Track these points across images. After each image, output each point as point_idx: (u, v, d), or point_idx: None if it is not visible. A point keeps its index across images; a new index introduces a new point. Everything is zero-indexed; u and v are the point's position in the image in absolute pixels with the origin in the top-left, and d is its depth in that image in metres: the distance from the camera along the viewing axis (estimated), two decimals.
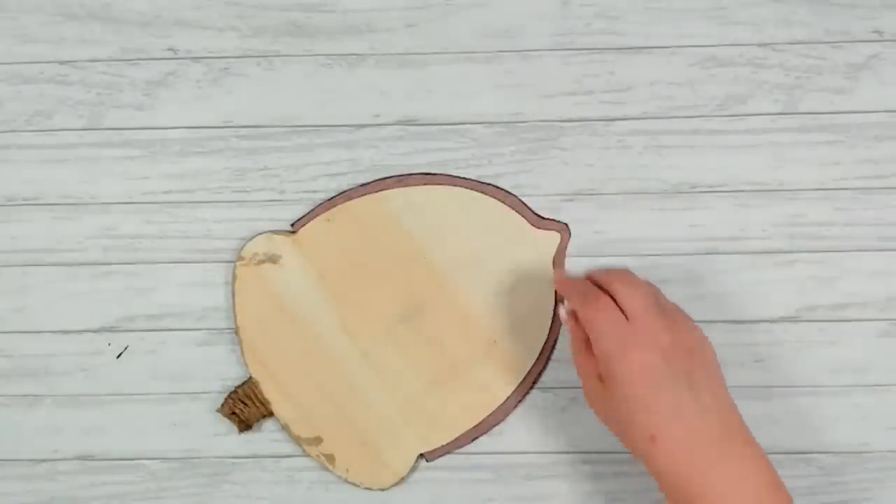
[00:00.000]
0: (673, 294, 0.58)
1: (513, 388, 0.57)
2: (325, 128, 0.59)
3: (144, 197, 0.59)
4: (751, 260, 0.58)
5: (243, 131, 0.59)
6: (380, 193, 0.57)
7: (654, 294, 0.48)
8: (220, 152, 0.59)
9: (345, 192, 0.57)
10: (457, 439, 0.57)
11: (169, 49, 0.59)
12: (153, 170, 0.59)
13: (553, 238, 0.57)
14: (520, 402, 0.57)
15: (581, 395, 0.58)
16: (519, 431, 0.59)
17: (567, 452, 0.59)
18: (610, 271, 0.50)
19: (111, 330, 0.59)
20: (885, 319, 0.58)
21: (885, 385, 0.58)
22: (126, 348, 0.59)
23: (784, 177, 0.58)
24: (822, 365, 0.58)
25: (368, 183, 0.58)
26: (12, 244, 0.59)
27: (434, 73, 0.59)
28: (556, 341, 0.57)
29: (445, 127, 0.58)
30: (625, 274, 0.49)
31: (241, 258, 0.57)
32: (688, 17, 0.58)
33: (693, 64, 0.58)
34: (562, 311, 0.51)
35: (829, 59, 0.58)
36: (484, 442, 0.59)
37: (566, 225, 0.58)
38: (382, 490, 0.57)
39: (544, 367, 0.57)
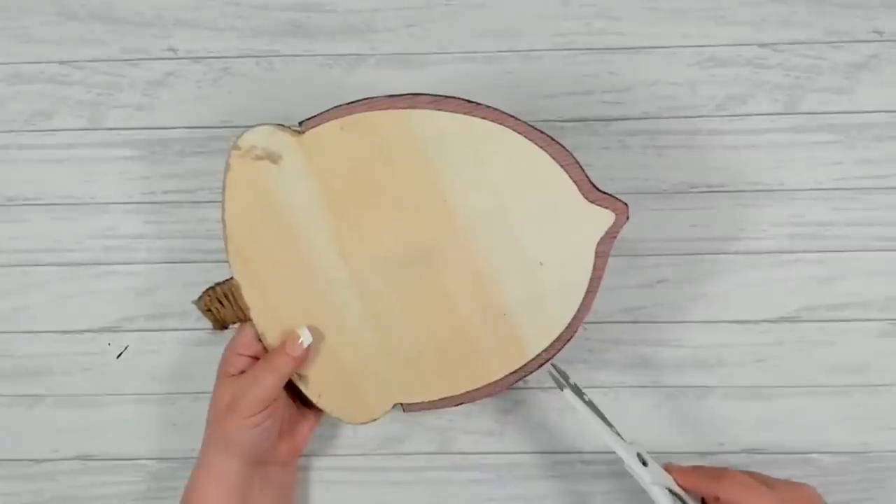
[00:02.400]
0: (673, 294, 0.58)
1: (511, 370, 0.53)
2: None
3: (145, 197, 0.59)
4: (751, 260, 0.58)
5: (243, 131, 0.59)
6: (408, 111, 0.49)
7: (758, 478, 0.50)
8: (220, 152, 0.59)
9: (368, 99, 0.50)
10: (441, 400, 0.54)
11: (169, 49, 0.59)
12: (153, 170, 0.59)
13: (605, 217, 0.49)
14: (515, 383, 0.53)
15: None
16: (519, 431, 0.59)
17: (567, 452, 0.59)
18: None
19: (111, 330, 0.59)
20: (885, 319, 0.58)
21: (885, 385, 0.58)
22: (126, 348, 0.59)
23: (784, 177, 0.58)
24: (822, 365, 0.58)
25: (399, 95, 0.49)
26: (12, 244, 0.59)
27: (434, 73, 0.59)
28: (571, 337, 0.52)
29: None
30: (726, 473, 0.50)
31: (237, 147, 0.50)
32: (688, 17, 0.58)
33: (693, 64, 0.58)
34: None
35: (829, 59, 0.58)
36: (484, 442, 0.59)
37: (626, 205, 0.49)
38: (352, 424, 0.55)
39: (549, 359, 0.52)
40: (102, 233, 0.59)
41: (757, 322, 0.58)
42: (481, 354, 0.53)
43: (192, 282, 0.59)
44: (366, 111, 0.49)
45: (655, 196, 0.58)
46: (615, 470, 0.58)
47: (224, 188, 0.51)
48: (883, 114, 0.58)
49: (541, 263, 0.51)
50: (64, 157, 0.59)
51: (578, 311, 0.51)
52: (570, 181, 0.49)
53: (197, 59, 0.59)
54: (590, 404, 0.51)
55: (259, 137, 0.50)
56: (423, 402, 0.54)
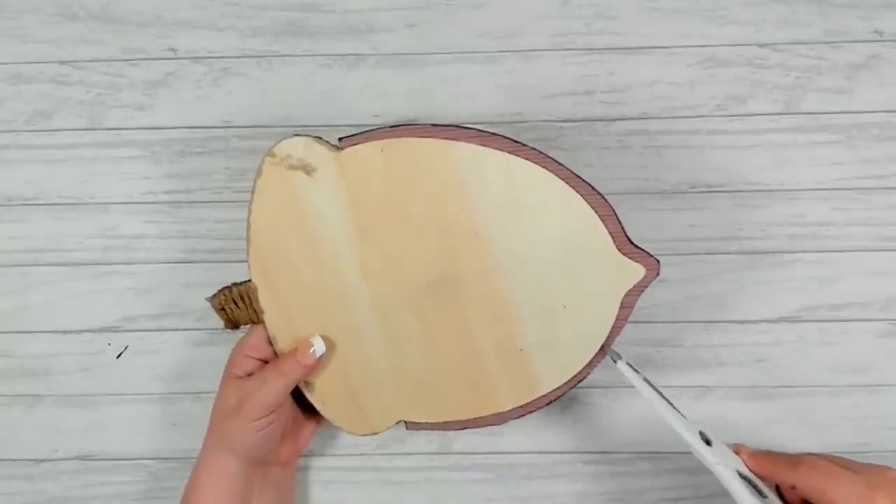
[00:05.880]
0: (673, 294, 0.58)
1: (518, 404, 0.54)
2: (325, 128, 0.59)
3: (144, 197, 0.59)
4: (751, 260, 0.58)
5: (243, 131, 0.59)
6: (451, 142, 0.49)
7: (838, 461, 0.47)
8: (220, 152, 0.59)
9: (411, 124, 0.50)
10: (444, 423, 0.54)
11: (169, 49, 0.59)
12: (153, 170, 0.59)
13: (635, 271, 0.50)
14: (520, 416, 0.54)
15: (581, 394, 0.58)
16: (519, 431, 0.59)
17: (567, 452, 0.59)
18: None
19: (111, 330, 0.59)
20: (885, 319, 0.58)
21: (885, 385, 0.58)
22: (126, 348, 0.59)
23: (784, 177, 0.58)
24: (822, 365, 0.58)
25: (445, 125, 0.49)
26: (12, 244, 0.59)
27: (434, 73, 0.59)
28: (584, 378, 0.53)
29: None
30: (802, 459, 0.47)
31: (272, 154, 0.50)
32: (688, 17, 0.58)
33: (693, 64, 0.58)
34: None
35: (829, 59, 0.58)
36: (484, 442, 0.59)
37: (657, 262, 0.50)
38: (353, 435, 0.55)
39: (558, 398, 0.53)
40: (102, 233, 0.59)
41: (757, 322, 0.58)
42: (491, 385, 0.53)
43: (192, 282, 0.59)
44: (408, 137, 0.49)
45: (655, 196, 0.58)
46: (617, 470, 0.58)
47: (253, 191, 0.51)
48: (883, 114, 0.58)
49: (564, 306, 0.51)
50: (64, 157, 0.59)
51: (595, 356, 0.52)
52: (605, 232, 0.49)
53: (197, 59, 0.59)
54: (646, 381, 0.50)
55: (296, 148, 0.50)
56: (426, 423, 0.54)
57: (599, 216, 0.49)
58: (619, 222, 0.49)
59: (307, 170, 0.50)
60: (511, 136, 0.49)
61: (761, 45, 0.58)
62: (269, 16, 0.59)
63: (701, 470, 0.58)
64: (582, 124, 0.58)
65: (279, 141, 0.50)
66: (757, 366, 0.58)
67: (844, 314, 0.58)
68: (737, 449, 0.48)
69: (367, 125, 0.58)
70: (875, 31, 0.58)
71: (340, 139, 0.50)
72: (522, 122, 0.58)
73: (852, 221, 0.58)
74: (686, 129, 0.58)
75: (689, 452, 0.58)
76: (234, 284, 0.53)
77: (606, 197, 0.50)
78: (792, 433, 0.58)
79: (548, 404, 0.53)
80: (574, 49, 0.58)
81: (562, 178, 0.49)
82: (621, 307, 0.51)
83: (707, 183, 0.58)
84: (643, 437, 0.58)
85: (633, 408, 0.58)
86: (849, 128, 0.58)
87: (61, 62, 0.59)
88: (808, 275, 0.58)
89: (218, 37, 0.59)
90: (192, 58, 0.59)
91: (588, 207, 0.49)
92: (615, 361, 0.50)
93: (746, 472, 0.46)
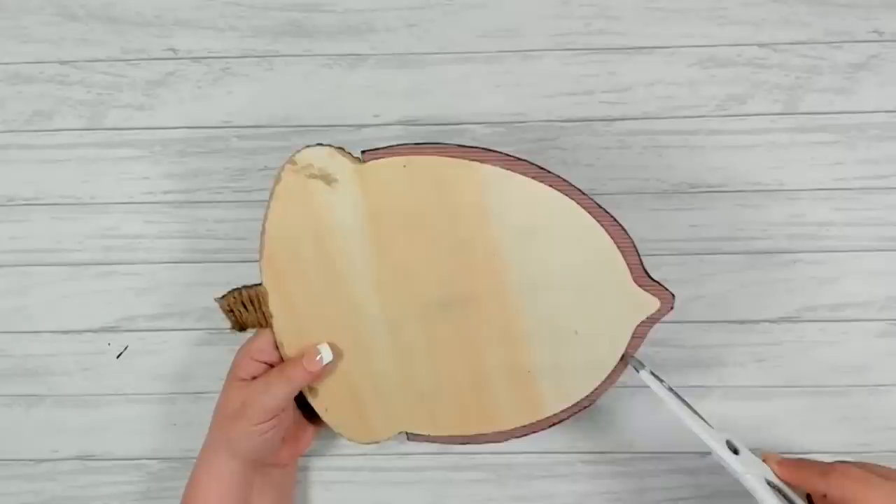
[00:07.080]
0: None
1: (521, 424, 0.54)
2: (325, 128, 0.59)
3: (144, 197, 0.59)
4: (751, 260, 0.58)
5: (243, 131, 0.59)
6: (477, 164, 0.49)
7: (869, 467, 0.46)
8: (220, 152, 0.59)
9: (438, 144, 0.50)
10: (447, 437, 0.55)
11: (169, 49, 0.59)
12: (153, 170, 0.59)
13: (650, 304, 0.50)
14: (522, 436, 0.54)
15: None
16: None
17: (567, 452, 0.59)
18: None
19: (111, 330, 0.59)
20: (885, 319, 0.58)
21: (885, 385, 0.58)
22: (126, 348, 0.59)
23: (784, 177, 0.58)
24: (822, 365, 0.58)
25: (471, 147, 0.49)
26: (12, 244, 0.59)
27: (434, 73, 0.59)
28: (590, 405, 0.53)
29: (445, 127, 0.58)
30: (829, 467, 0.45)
31: (292, 162, 0.50)
32: (688, 17, 0.58)
33: (693, 64, 0.58)
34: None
35: (829, 59, 0.58)
36: None
37: (672, 296, 0.50)
38: (354, 442, 0.55)
39: (562, 421, 0.54)
40: (102, 233, 0.59)
41: (757, 322, 0.58)
42: (496, 404, 0.53)
43: (192, 282, 0.59)
44: (434, 155, 0.49)
45: (655, 196, 0.58)
46: (617, 470, 0.58)
47: (270, 197, 0.51)
48: (883, 114, 0.58)
49: (576, 333, 0.51)
50: (64, 157, 0.59)
51: (602, 383, 0.52)
52: (623, 264, 0.50)
53: (197, 59, 0.59)
54: (670, 390, 0.49)
55: (318, 157, 0.50)
56: (428, 436, 0.54)
57: (619, 248, 0.49)
58: (638, 255, 0.50)
59: (327, 180, 0.50)
60: (537, 163, 0.49)
61: (761, 45, 0.58)
62: (269, 16, 0.59)
63: (701, 470, 0.58)
64: (582, 124, 0.58)
65: (301, 149, 0.50)
66: (757, 366, 0.58)
67: (844, 314, 0.58)
68: (765, 457, 0.47)
69: (367, 125, 0.58)
70: (875, 31, 0.58)
71: (363, 152, 0.50)
72: (522, 122, 0.58)
73: (852, 221, 0.58)
74: (686, 129, 0.58)
75: (690, 452, 0.58)
76: (245, 287, 0.53)
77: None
78: (792, 433, 0.58)
79: (550, 426, 0.53)
80: (574, 49, 0.58)
81: (584, 208, 0.49)
82: (633, 337, 0.51)
83: (707, 183, 0.58)
84: (643, 436, 0.58)
85: (633, 408, 0.58)
86: (849, 128, 0.58)
87: (61, 62, 0.59)
88: (808, 275, 0.58)
89: (218, 37, 0.59)
90: (192, 58, 0.59)
91: (608, 238, 0.49)
92: (638, 371, 0.50)
93: (776, 480, 0.46)
